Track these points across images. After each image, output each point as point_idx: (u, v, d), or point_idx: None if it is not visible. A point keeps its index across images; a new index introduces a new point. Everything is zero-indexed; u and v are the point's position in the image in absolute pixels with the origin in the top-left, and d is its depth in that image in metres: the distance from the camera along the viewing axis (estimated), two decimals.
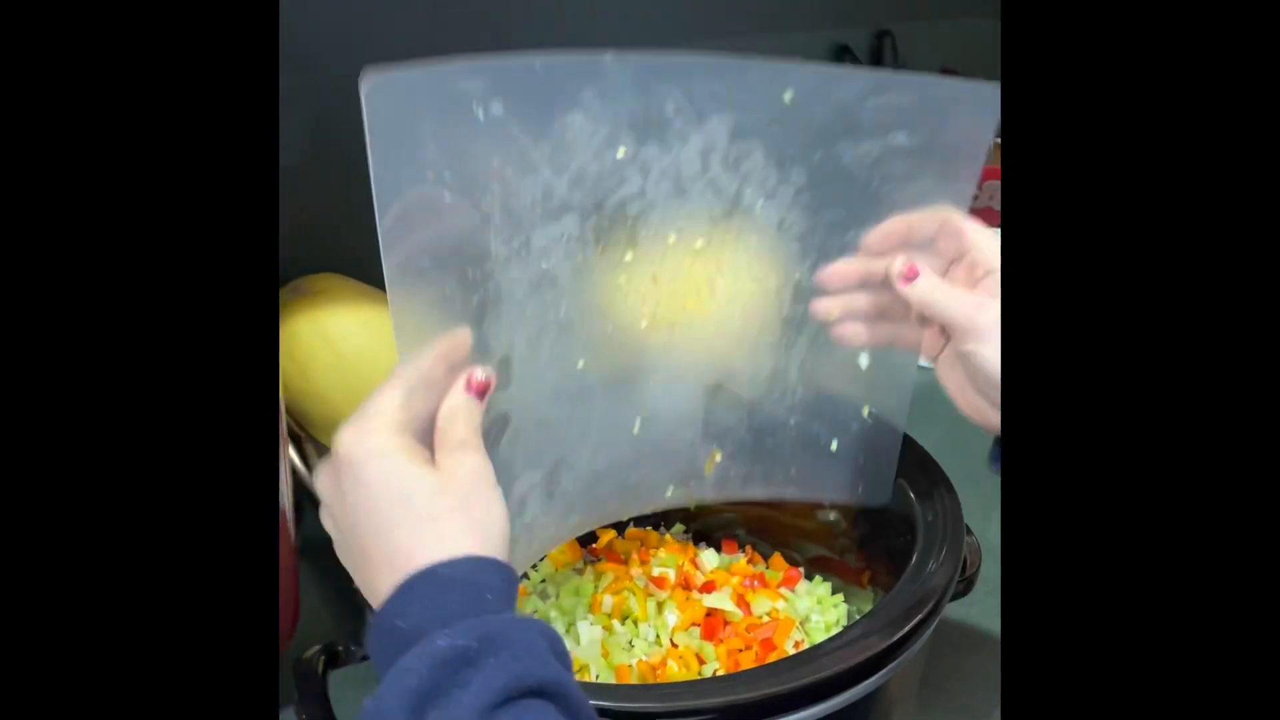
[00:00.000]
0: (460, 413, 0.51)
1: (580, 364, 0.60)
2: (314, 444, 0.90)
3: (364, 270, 0.94)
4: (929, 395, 1.08)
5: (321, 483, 0.50)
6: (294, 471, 0.82)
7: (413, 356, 0.50)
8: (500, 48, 0.50)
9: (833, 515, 0.76)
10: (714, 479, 0.69)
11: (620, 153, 0.55)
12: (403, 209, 0.49)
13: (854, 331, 0.63)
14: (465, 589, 0.45)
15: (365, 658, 0.61)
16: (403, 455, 0.48)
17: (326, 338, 0.85)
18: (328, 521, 0.51)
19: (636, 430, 0.65)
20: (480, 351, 0.53)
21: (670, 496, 0.69)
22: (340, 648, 0.61)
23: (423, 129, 0.48)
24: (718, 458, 0.68)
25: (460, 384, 0.51)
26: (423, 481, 0.48)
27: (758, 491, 0.70)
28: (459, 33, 0.91)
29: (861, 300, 0.63)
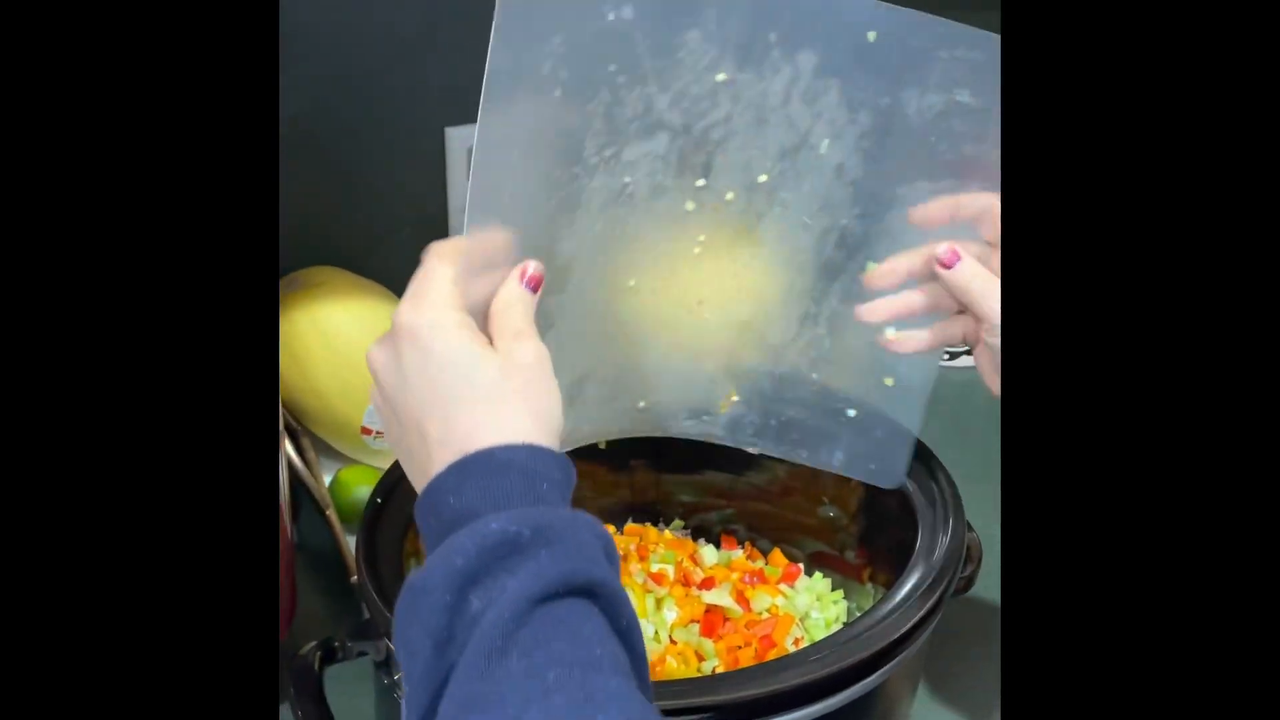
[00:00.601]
0: (517, 303, 0.51)
1: (632, 282, 0.61)
2: (310, 438, 0.90)
3: (360, 264, 0.93)
4: (932, 392, 1.07)
5: (376, 358, 0.49)
6: (290, 466, 0.82)
7: (478, 237, 0.50)
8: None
9: (833, 511, 0.75)
10: (727, 420, 0.68)
11: (720, 76, 0.56)
12: (510, 94, 0.49)
13: (910, 339, 0.63)
14: (522, 475, 0.45)
15: (362, 654, 0.61)
16: (465, 331, 0.48)
17: (322, 331, 0.85)
18: (379, 400, 0.50)
19: (662, 353, 0.65)
20: (546, 252, 0.53)
21: (685, 426, 0.68)
22: (336, 644, 0.60)
23: (552, 21, 0.49)
24: (734, 398, 0.68)
25: (515, 275, 0.51)
26: (485, 361, 0.47)
27: (768, 446, 0.68)
28: (452, 32, 0.91)
29: (913, 302, 0.62)
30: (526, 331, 0.50)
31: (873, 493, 0.72)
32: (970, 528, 0.67)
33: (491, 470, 0.45)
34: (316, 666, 0.59)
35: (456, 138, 0.95)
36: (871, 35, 0.56)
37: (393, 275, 0.94)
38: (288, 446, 0.84)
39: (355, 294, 0.88)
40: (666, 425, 0.68)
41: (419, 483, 0.47)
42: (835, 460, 0.70)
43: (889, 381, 0.67)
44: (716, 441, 0.68)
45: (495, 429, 0.46)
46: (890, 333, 0.63)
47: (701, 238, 0.61)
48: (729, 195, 0.60)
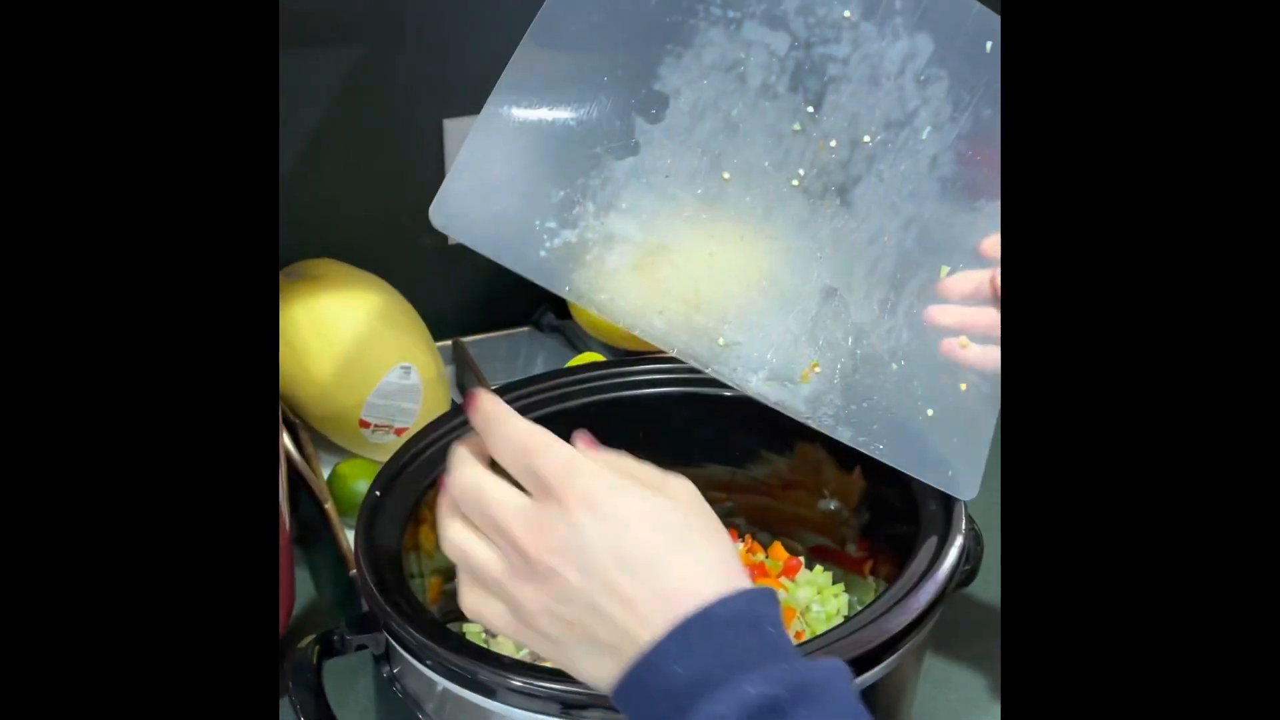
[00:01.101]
0: (618, 457, 0.49)
1: (726, 175, 0.62)
2: (308, 431, 0.90)
3: (358, 256, 0.93)
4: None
5: (552, 536, 0.46)
6: (288, 459, 0.81)
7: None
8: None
9: (834, 505, 0.75)
10: (808, 394, 0.65)
11: (846, 14, 0.61)
12: None
13: (977, 353, 0.65)
14: (749, 627, 0.43)
15: (361, 647, 0.60)
16: (638, 484, 0.46)
17: (321, 324, 0.84)
18: (539, 597, 0.46)
19: (745, 283, 0.64)
20: (643, 72, 0.59)
21: (764, 389, 0.65)
22: (335, 637, 0.60)
23: None
24: (816, 368, 0.66)
25: (583, 447, 0.49)
26: (669, 510, 0.46)
27: (846, 435, 0.66)
28: (450, 24, 0.91)
29: (978, 317, 0.64)
30: (658, 469, 0.49)
31: (874, 486, 0.71)
32: (972, 521, 0.66)
33: (716, 628, 0.43)
34: (315, 660, 0.59)
35: (454, 130, 0.95)
36: (989, 45, 0.60)
37: (391, 267, 0.94)
38: (286, 440, 0.83)
39: (353, 286, 0.88)
40: (745, 379, 0.65)
41: (616, 658, 0.44)
42: (915, 460, 0.66)
43: (963, 386, 0.66)
44: (795, 416, 0.65)
45: (703, 579, 0.44)
46: (963, 339, 0.65)
47: (800, 171, 0.63)
48: (833, 142, 0.63)
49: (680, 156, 0.60)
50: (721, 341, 0.64)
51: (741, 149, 0.62)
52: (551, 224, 0.57)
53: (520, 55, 0.58)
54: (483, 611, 0.48)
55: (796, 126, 0.62)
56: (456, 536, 0.48)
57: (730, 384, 0.63)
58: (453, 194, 0.56)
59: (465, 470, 0.49)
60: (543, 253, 0.57)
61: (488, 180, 0.57)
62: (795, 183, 0.63)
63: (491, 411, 0.49)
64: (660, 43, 0.59)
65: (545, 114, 0.58)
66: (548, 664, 0.51)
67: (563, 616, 0.46)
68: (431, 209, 0.56)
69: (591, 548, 0.45)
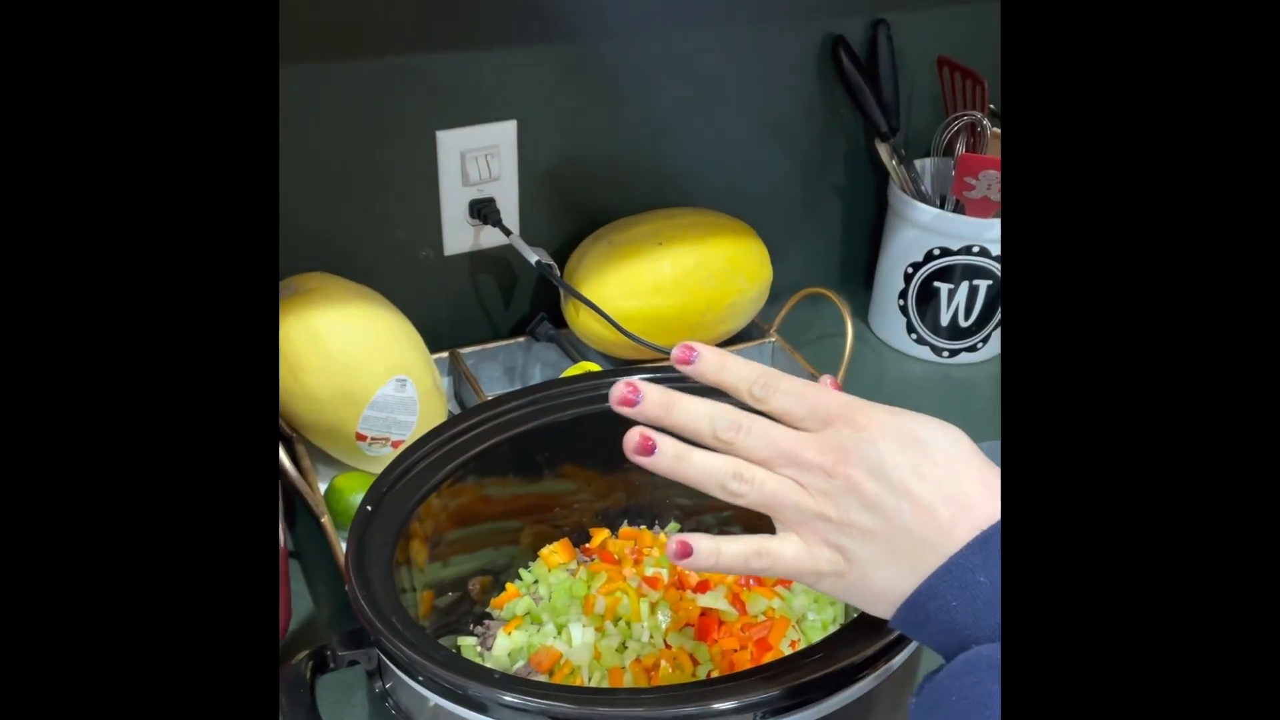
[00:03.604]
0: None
1: None
2: (305, 444, 0.90)
3: (353, 269, 0.93)
4: (935, 389, 1.07)
5: (848, 452, 0.48)
6: (284, 473, 0.81)
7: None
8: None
9: None
10: None
11: None
12: None
13: None
14: None
15: (353, 663, 0.60)
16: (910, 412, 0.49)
17: (316, 337, 0.84)
18: (863, 515, 0.48)
19: None
20: None
21: None
22: (328, 653, 0.60)
23: None
24: None
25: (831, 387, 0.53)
26: (949, 429, 0.49)
27: None
28: (444, 36, 0.91)
29: None
30: None
31: None
32: None
33: None
34: (308, 675, 0.59)
35: (447, 141, 0.95)
36: None
37: (385, 280, 0.95)
38: (281, 453, 0.83)
39: (348, 299, 0.88)
40: None
41: (912, 569, 0.46)
42: None
43: None
44: None
45: (993, 491, 0.47)
46: None
47: None
48: None
49: None
50: None
51: None
52: None
53: None
54: (778, 548, 0.50)
55: None
56: (746, 477, 0.49)
57: None
58: None
59: (720, 414, 0.51)
60: None
61: None
62: None
63: (721, 356, 0.52)
64: None
65: None
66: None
67: (864, 528, 0.47)
68: None
69: (888, 459, 0.47)
